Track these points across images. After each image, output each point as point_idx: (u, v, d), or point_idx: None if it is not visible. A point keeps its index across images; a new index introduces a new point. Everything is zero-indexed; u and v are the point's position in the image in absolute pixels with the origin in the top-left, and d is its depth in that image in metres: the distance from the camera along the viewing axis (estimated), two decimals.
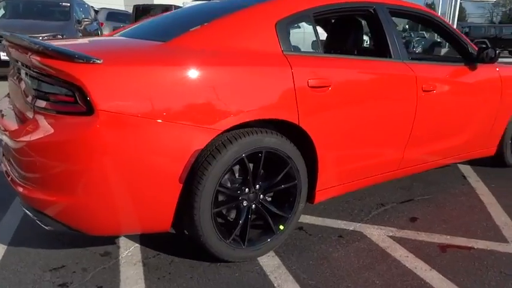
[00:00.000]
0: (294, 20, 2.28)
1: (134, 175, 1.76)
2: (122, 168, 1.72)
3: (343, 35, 2.78)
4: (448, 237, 2.55)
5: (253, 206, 2.17)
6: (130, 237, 2.41)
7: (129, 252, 2.28)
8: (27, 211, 1.91)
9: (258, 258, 2.23)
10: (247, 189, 2.13)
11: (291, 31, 2.32)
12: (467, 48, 3.17)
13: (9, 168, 2.02)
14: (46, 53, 1.66)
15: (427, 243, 2.47)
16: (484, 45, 3.12)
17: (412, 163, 2.91)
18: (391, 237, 2.52)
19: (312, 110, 2.16)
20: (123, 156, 1.71)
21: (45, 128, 1.69)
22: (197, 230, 1.97)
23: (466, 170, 3.77)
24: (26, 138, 1.73)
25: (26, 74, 1.84)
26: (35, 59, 1.69)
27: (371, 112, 2.42)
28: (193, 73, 1.81)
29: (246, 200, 2.14)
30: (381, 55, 2.64)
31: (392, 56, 2.63)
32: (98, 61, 1.64)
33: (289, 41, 2.21)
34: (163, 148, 1.78)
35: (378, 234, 2.55)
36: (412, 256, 2.31)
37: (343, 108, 2.31)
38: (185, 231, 2.13)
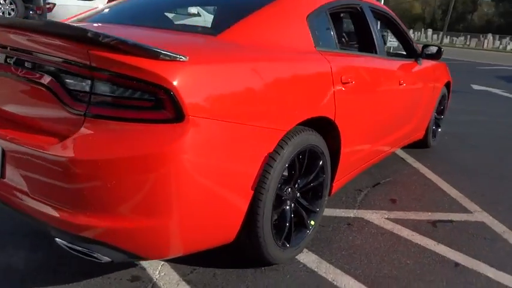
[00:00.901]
0: (317, 15, 2.28)
1: (216, 186, 1.58)
2: (206, 180, 1.53)
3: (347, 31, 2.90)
4: (429, 213, 2.91)
5: (292, 204, 2.15)
6: None
7: (161, 271, 2.02)
8: (68, 244, 1.54)
9: (296, 257, 2.22)
10: (289, 188, 2.10)
11: None
12: (413, 45, 3.60)
13: (20, 194, 1.58)
14: (119, 48, 1.34)
15: (418, 221, 2.78)
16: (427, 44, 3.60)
17: (387, 148, 3.23)
18: (388, 219, 2.76)
19: (343, 106, 2.22)
20: (208, 168, 1.52)
21: (114, 140, 1.38)
22: (258, 237, 1.86)
23: (400, 153, 4.30)
24: (85, 155, 1.38)
25: (61, 70, 1.44)
26: (100, 55, 1.34)
27: (379, 104, 2.61)
28: (262, 71, 1.70)
29: (288, 199, 2.10)
30: (375, 52, 2.83)
31: (378, 52, 2.84)
32: (184, 58, 1.41)
33: (317, 36, 2.21)
34: (242, 153, 1.64)
35: (377, 218, 2.77)
36: (417, 234, 2.58)
37: (362, 102, 2.43)
38: (240, 241, 1.97)
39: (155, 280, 1.96)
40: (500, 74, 14.99)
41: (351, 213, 2.82)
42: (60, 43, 1.40)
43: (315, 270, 2.12)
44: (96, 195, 1.41)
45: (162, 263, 2.09)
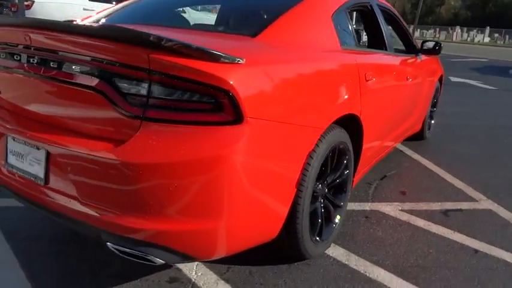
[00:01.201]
0: (339, 14, 2.32)
1: (265, 186, 1.60)
2: (257, 180, 1.55)
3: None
4: (439, 203, 3.02)
5: (322, 200, 2.19)
6: None
7: (197, 272, 2.03)
8: (120, 247, 1.53)
9: (325, 251, 2.27)
10: (320, 185, 2.14)
11: None
12: (412, 41, 3.70)
13: (67, 199, 1.56)
14: (181, 51, 1.34)
15: (431, 211, 2.88)
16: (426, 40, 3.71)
17: (394, 142, 3.32)
18: (402, 211, 2.85)
19: (366, 103, 2.28)
20: (260, 168, 1.54)
21: (172, 143, 1.38)
22: (297, 233, 1.90)
23: (398, 146, 4.42)
24: (144, 158, 1.37)
25: (115, 74, 1.42)
26: (161, 59, 1.34)
27: (393, 99, 2.69)
28: (304, 71, 1.74)
29: (319, 195, 2.15)
30: (385, 49, 2.90)
31: (388, 49, 2.92)
32: (241, 61, 1.42)
33: (341, 35, 2.25)
34: (288, 153, 1.67)
35: (391, 210, 2.85)
36: (432, 224, 2.68)
37: (380, 98, 2.50)
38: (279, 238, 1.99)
39: (194, 280, 1.96)
40: (473, 66, 15.53)
41: (366, 206, 2.89)
42: (117, 47, 1.38)
43: (346, 263, 2.18)
44: (154, 198, 1.41)
45: (197, 263, 2.10)
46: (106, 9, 2.66)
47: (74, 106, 1.56)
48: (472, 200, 3.12)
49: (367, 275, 2.09)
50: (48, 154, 1.58)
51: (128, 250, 1.53)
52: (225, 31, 2.04)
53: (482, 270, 2.20)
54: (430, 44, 3.68)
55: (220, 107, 1.38)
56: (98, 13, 2.64)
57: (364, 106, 2.24)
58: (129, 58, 1.38)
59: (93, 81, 1.45)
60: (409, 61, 3.35)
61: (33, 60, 1.60)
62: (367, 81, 2.26)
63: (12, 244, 2.17)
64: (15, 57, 1.69)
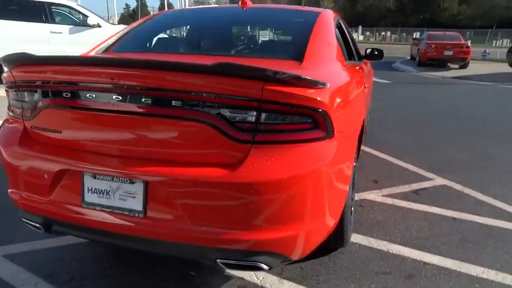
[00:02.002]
0: (335, 31, 2.66)
1: (339, 187, 1.88)
2: (337, 183, 1.83)
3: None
4: (407, 185, 3.60)
5: None
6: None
7: (258, 277, 2.23)
8: (232, 262, 1.68)
9: None
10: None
11: None
12: (358, 49, 4.27)
13: (172, 226, 1.66)
14: (290, 81, 1.55)
15: (405, 192, 3.44)
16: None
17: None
18: (384, 196, 3.35)
19: (366, 107, 2.69)
20: (339, 173, 1.82)
21: (281, 160, 1.59)
22: (344, 227, 2.21)
23: None
24: (259, 177, 1.55)
25: (223, 105, 1.57)
26: (273, 89, 1.53)
27: (365, 100, 3.10)
28: (352, 88, 2.08)
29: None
30: (354, 59, 3.35)
31: (357, 59, 3.39)
32: (328, 85, 1.69)
33: (342, 50, 2.63)
34: (349, 158, 1.97)
35: (375, 197, 3.34)
36: (412, 202, 3.22)
37: (365, 100, 2.93)
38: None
39: (260, 284, 2.16)
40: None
41: (355, 196, 3.32)
42: (231, 81, 1.53)
43: (369, 245, 2.56)
44: (269, 212, 1.60)
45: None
46: (119, 35, 2.66)
47: (175, 137, 1.65)
48: (428, 179, 3.77)
49: (391, 252, 2.50)
50: (146, 186, 1.65)
51: (236, 262, 1.69)
52: (269, 57, 2.24)
53: (466, 232, 2.77)
54: (374, 51, 4.27)
55: (317, 125, 1.63)
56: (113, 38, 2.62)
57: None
58: (241, 90, 1.54)
59: (200, 114, 1.58)
60: (364, 66, 3.89)
61: (119, 98, 1.64)
62: (365, 88, 2.68)
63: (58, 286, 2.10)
64: (88, 96, 1.70)
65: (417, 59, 16.50)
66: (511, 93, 9.99)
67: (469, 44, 15.34)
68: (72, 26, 8.42)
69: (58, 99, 1.79)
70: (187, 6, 14.37)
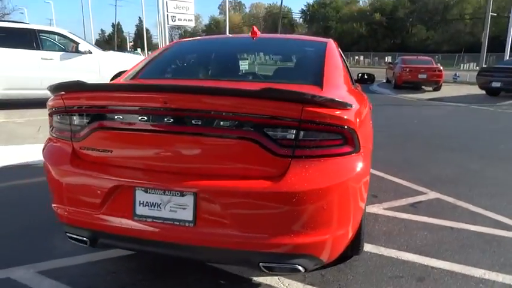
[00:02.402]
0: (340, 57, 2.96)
1: (363, 195, 2.11)
2: (362, 192, 2.05)
3: None
4: (403, 199, 3.87)
5: None
6: (256, 275, 2.46)
7: (284, 283, 2.41)
8: (273, 265, 1.87)
9: None
10: None
11: None
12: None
13: (220, 233, 1.84)
14: (325, 104, 1.79)
15: (403, 206, 3.70)
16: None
17: None
18: (385, 209, 3.60)
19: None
20: (363, 183, 2.04)
21: (318, 172, 1.81)
22: (361, 234, 2.43)
23: None
24: (300, 187, 1.76)
25: (266, 125, 1.79)
26: (311, 110, 1.76)
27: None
28: (365, 109, 2.33)
29: None
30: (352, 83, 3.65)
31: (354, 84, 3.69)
32: (353, 107, 1.94)
33: (349, 74, 2.91)
34: (368, 169, 2.20)
35: (378, 210, 3.58)
36: (411, 214, 3.48)
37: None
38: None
39: None
40: None
41: None
42: (275, 104, 1.75)
43: (380, 253, 2.79)
44: (307, 218, 1.80)
45: (276, 277, 2.46)
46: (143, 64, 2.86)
47: (222, 154, 1.85)
48: (422, 193, 4.06)
49: (400, 258, 2.73)
50: (196, 198, 1.83)
51: (277, 265, 1.88)
52: (292, 82, 2.47)
53: (464, 239, 3.04)
54: (364, 75, 4.60)
55: (346, 141, 1.87)
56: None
57: None
58: (283, 112, 1.77)
59: (245, 132, 1.79)
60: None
61: (171, 120, 1.84)
62: (370, 108, 2.95)
63: None
64: (139, 118, 1.89)
65: (393, 82, 17.25)
66: (483, 113, 10.61)
67: (441, 68, 16.18)
68: (63, 53, 8.53)
69: (110, 122, 1.97)
70: (165, 32, 14.46)
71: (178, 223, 1.87)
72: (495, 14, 25.37)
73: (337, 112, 1.83)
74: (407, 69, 16.05)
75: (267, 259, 1.87)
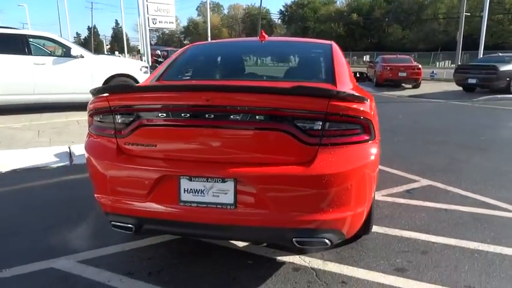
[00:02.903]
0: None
1: (375, 177, 2.39)
2: (373, 175, 2.34)
3: None
4: (399, 187, 4.20)
5: None
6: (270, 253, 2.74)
7: (305, 260, 2.68)
8: (304, 239, 2.14)
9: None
10: None
11: None
12: None
13: (258, 213, 2.11)
14: (347, 98, 2.08)
15: (399, 192, 4.04)
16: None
17: None
18: (384, 196, 3.93)
19: None
20: (375, 166, 2.34)
21: (341, 157, 2.09)
22: (371, 214, 2.73)
23: None
24: (327, 170, 2.04)
25: (297, 118, 2.06)
26: (336, 104, 2.04)
27: None
28: (372, 101, 2.62)
29: None
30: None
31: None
32: (368, 100, 2.23)
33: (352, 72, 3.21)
34: (379, 155, 2.49)
35: (378, 197, 3.88)
36: (408, 199, 3.82)
37: None
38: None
39: (309, 265, 2.62)
40: None
41: None
42: (305, 99, 2.04)
43: (385, 233, 3.10)
44: (334, 197, 2.09)
45: (297, 256, 2.73)
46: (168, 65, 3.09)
47: (258, 144, 2.12)
48: (415, 181, 4.41)
49: (404, 236, 3.05)
50: (236, 184, 2.09)
51: (308, 239, 2.15)
52: (309, 81, 2.74)
53: (458, 218, 3.38)
54: (357, 74, 4.92)
55: (364, 130, 2.16)
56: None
57: None
58: (312, 106, 2.05)
59: (278, 125, 2.07)
60: None
61: (212, 115, 2.10)
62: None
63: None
64: (183, 115, 2.14)
65: (374, 80, 17.80)
66: (462, 108, 11.17)
67: (420, 66, 16.82)
68: (55, 58, 8.60)
69: (154, 120, 2.21)
70: (147, 35, 14.34)
71: (220, 206, 2.13)
72: (468, 14, 26.35)
73: (356, 105, 2.12)
74: (388, 68, 16.62)
75: (299, 234, 2.14)
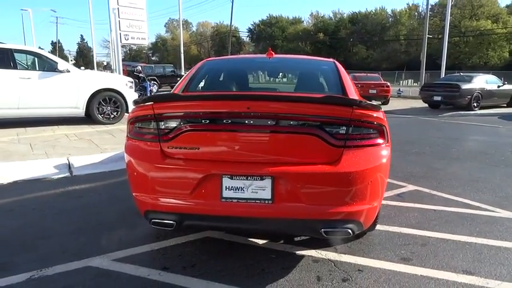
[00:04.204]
0: None
1: (386, 177, 2.75)
2: (386, 174, 2.70)
3: None
4: (390, 192, 4.61)
5: None
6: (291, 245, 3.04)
7: (321, 253, 2.99)
8: (330, 229, 2.45)
9: None
10: None
11: None
12: None
13: (292, 207, 2.41)
14: (367, 106, 2.43)
15: (391, 196, 4.44)
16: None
17: None
18: None
19: None
20: (388, 166, 2.70)
21: (363, 158, 2.44)
22: (378, 210, 3.08)
23: None
24: (351, 168, 2.38)
25: (325, 123, 2.41)
26: (358, 111, 2.40)
27: None
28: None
29: None
30: None
31: None
32: (381, 108, 2.60)
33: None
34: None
35: None
36: (400, 202, 4.23)
37: None
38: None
39: (326, 257, 2.93)
40: None
41: None
42: (332, 107, 2.39)
43: (386, 230, 3.47)
44: (357, 191, 2.42)
45: (314, 250, 3.04)
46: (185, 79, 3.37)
47: (291, 146, 2.43)
48: (402, 186, 4.84)
49: (403, 232, 3.43)
50: (273, 181, 2.39)
51: (334, 229, 2.46)
52: (323, 93, 3.10)
53: (446, 217, 3.81)
54: None
55: (380, 134, 2.53)
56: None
57: None
58: (338, 113, 2.40)
59: (309, 129, 2.41)
60: None
61: (251, 122, 2.41)
62: None
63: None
64: (224, 121, 2.44)
65: None
66: (430, 123, 11.96)
67: (389, 84, 17.77)
68: (41, 72, 8.61)
69: (197, 125, 2.49)
70: (118, 51, 14.28)
71: (259, 201, 2.41)
72: (431, 36, 28.04)
73: (374, 113, 2.49)
74: (359, 85, 17.40)
75: (327, 225, 2.45)
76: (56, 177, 5.16)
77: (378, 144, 2.53)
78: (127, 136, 2.75)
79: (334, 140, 2.43)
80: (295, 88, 3.59)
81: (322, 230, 2.46)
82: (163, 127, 2.56)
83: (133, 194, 2.64)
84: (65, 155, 5.93)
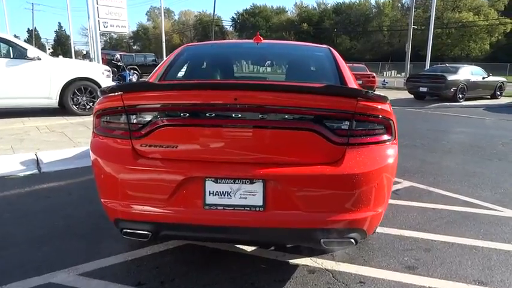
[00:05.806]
0: None
1: (393, 178, 2.44)
2: (394, 174, 2.38)
3: None
4: None
5: None
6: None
7: (318, 262, 2.68)
8: (332, 239, 2.13)
9: None
10: None
11: None
12: None
13: (286, 215, 2.07)
14: (373, 98, 2.10)
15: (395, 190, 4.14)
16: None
17: None
18: None
19: None
20: (395, 166, 2.37)
21: (368, 157, 2.11)
22: (382, 212, 2.78)
23: None
24: (356, 169, 2.05)
25: (325, 117, 2.06)
26: (363, 104, 2.06)
27: None
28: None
29: None
30: None
31: None
32: (389, 100, 2.27)
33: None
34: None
35: None
36: (397, 200, 3.94)
37: None
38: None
39: (324, 267, 2.61)
40: None
41: None
42: (334, 99, 2.04)
43: (386, 233, 3.18)
44: (361, 196, 2.09)
45: (309, 258, 2.72)
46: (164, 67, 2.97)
47: (286, 144, 2.08)
48: (398, 182, 4.56)
49: (404, 235, 3.14)
50: (265, 185, 2.04)
51: (335, 239, 2.14)
52: (320, 82, 2.73)
53: (447, 217, 3.54)
54: None
55: (387, 130, 2.20)
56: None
57: None
58: (341, 105, 2.05)
59: (306, 124, 2.05)
60: None
61: (239, 115, 2.04)
62: None
63: None
64: (207, 114, 2.06)
65: None
66: (417, 114, 11.79)
67: (374, 74, 17.59)
68: (8, 59, 8.01)
69: (175, 119, 2.11)
70: (97, 39, 13.65)
71: (248, 209, 2.06)
72: (416, 27, 27.95)
73: (381, 105, 2.16)
74: None
75: (327, 235, 2.12)
76: (22, 174, 4.71)
77: (385, 142, 2.20)
78: (93, 132, 2.35)
79: (336, 137, 2.09)
80: (286, 77, 3.23)
81: (322, 240, 2.13)
82: (135, 121, 2.18)
83: (102, 200, 2.26)
84: (34, 149, 5.45)
